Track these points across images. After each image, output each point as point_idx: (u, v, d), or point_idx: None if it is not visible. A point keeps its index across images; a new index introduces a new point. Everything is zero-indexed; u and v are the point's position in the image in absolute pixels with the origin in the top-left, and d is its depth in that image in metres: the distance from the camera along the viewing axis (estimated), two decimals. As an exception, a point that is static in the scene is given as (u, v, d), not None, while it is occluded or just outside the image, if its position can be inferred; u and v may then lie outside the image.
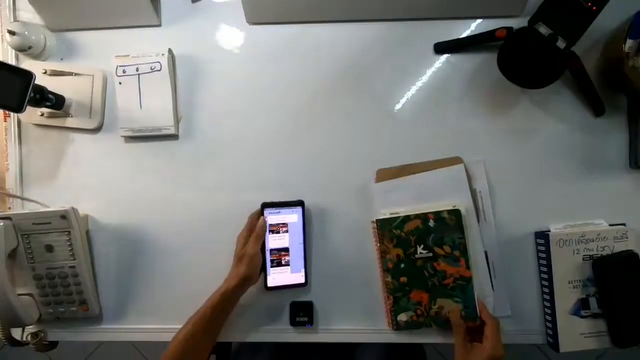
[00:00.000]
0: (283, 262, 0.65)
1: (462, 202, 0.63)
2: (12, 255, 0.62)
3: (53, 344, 0.70)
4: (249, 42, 0.68)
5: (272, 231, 0.65)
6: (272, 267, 0.65)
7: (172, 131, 0.67)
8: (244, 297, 0.65)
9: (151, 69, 0.65)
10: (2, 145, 0.69)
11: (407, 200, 0.65)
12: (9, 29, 0.63)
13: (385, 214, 0.64)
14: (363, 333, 0.66)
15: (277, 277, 0.65)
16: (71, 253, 0.64)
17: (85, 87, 0.67)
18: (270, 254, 0.65)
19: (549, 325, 0.63)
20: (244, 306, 0.67)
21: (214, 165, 0.68)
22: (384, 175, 0.66)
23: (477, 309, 0.61)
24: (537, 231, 0.64)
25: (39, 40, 0.66)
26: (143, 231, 0.68)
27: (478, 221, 0.64)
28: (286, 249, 0.65)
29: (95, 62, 0.68)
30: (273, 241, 0.65)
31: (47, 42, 0.67)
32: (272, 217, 0.65)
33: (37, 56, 0.67)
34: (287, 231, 0.65)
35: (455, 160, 0.65)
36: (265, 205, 0.65)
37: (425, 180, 0.65)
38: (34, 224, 0.62)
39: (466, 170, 0.64)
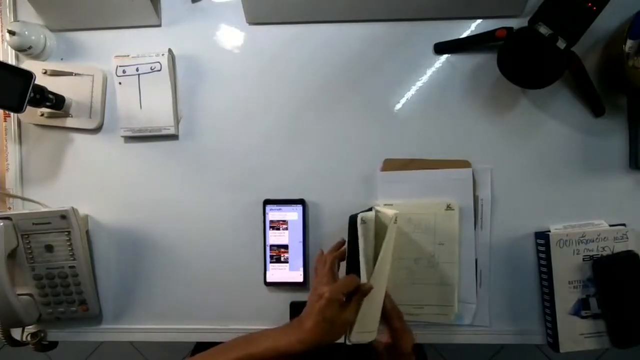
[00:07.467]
0: (282, 258, 0.66)
1: (462, 206, 0.63)
2: (12, 255, 0.62)
3: (53, 344, 0.70)
4: (249, 42, 0.67)
5: (272, 227, 0.66)
6: (271, 262, 0.66)
7: (172, 131, 0.67)
8: (244, 297, 0.65)
9: (151, 69, 0.65)
10: (2, 145, 0.69)
11: (408, 194, 0.64)
12: (9, 29, 0.63)
13: (380, 204, 0.64)
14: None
15: (275, 273, 0.66)
16: (71, 253, 0.64)
17: (85, 87, 0.67)
18: (270, 249, 0.66)
19: (549, 325, 0.63)
20: (243, 306, 0.67)
21: (214, 165, 0.68)
22: (391, 165, 0.66)
23: None
24: (537, 231, 0.64)
25: (39, 40, 0.66)
26: (143, 231, 0.68)
27: (475, 228, 0.64)
28: (285, 246, 0.66)
29: (95, 62, 0.68)
30: (273, 237, 0.66)
31: (47, 42, 0.67)
32: (273, 214, 0.66)
33: (37, 56, 0.67)
34: (287, 228, 0.66)
35: (464, 164, 0.64)
36: (267, 202, 0.66)
37: (432, 177, 0.64)
38: (34, 224, 0.62)
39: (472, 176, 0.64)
